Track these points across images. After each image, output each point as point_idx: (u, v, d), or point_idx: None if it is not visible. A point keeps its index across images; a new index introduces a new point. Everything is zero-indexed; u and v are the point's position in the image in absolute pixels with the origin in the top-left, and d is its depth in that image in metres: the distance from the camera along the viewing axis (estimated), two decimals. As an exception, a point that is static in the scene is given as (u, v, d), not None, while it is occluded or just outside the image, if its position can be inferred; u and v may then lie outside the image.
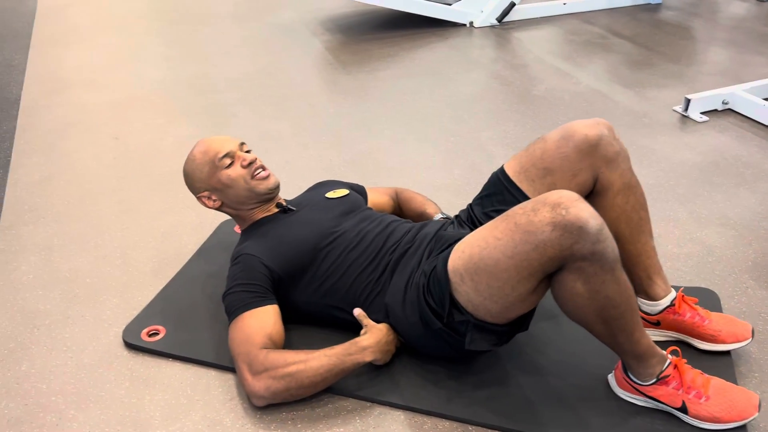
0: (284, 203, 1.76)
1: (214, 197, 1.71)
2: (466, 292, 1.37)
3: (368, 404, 1.51)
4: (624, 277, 1.29)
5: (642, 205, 1.57)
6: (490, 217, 1.61)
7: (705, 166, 2.50)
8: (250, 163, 1.66)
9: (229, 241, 2.05)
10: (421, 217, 1.89)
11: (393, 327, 1.56)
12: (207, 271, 1.92)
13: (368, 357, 1.48)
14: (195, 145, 1.73)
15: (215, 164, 1.66)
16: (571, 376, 1.56)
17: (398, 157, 2.60)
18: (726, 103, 2.91)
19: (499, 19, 4.01)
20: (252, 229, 1.72)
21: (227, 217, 2.19)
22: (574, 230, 1.21)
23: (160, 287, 1.86)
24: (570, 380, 1.55)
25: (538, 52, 3.67)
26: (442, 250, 1.56)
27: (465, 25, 4.01)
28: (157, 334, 1.70)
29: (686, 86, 3.20)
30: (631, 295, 1.31)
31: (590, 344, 1.63)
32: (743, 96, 2.87)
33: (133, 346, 1.68)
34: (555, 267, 1.27)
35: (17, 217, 2.24)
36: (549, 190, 1.54)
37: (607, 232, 1.24)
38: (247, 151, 1.72)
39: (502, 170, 1.65)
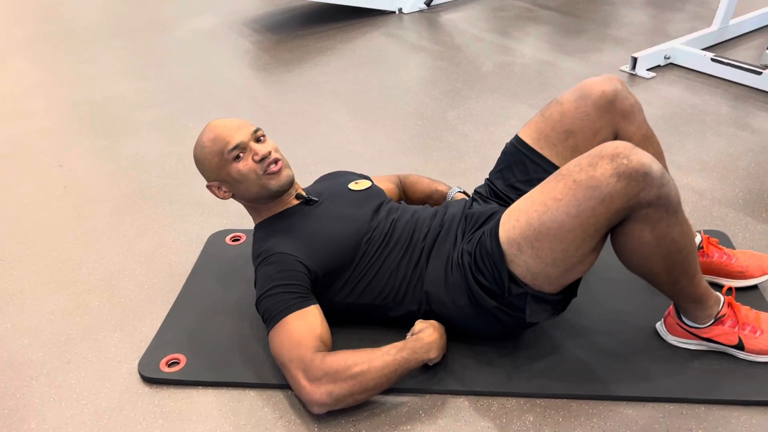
0: (304, 194, 1.64)
1: (224, 189, 1.57)
2: (525, 262, 1.32)
3: (427, 396, 1.44)
4: (686, 218, 1.28)
5: (660, 155, 1.58)
6: (516, 189, 1.58)
7: (668, 118, 2.58)
8: (263, 158, 1.52)
9: (223, 255, 1.91)
10: (432, 197, 1.83)
11: (437, 315, 1.49)
12: (209, 289, 1.78)
13: (434, 354, 1.41)
14: (204, 129, 1.56)
15: (224, 157, 1.51)
16: (618, 333, 1.55)
17: (372, 146, 2.52)
18: (668, 58, 3.03)
19: (428, 3, 4.00)
20: (272, 224, 1.58)
21: (214, 230, 2.04)
22: (639, 177, 1.19)
23: (162, 314, 1.71)
24: (619, 336, 1.54)
25: (474, 30, 3.69)
26: (477, 228, 1.50)
27: (394, 12, 3.98)
28: (177, 363, 1.55)
29: (623, 47, 3.31)
30: (692, 237, 1.30)
31: (626, 300, 1.65)
32: (683, 49, 2.99)
33: (153, 380, 1.52)
34: (620, 218, 1.24)
35: (-30, 265, 1.99)
36: (572, 152, 1.53)
37: (668, 175, 1.23)
38: (261, 138, 1.54)
39: (518, 140, 1.61)
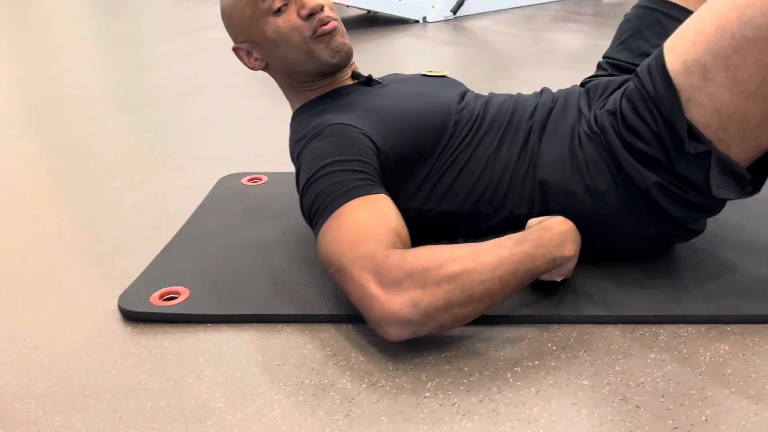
0: (362, 73, 1.20)
1: (255, 54, 1.14)
2: (711, 97, 0.88)
3: (555, 327, 0.95)
4: None
5: None
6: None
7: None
8: (312, 13, 1.09)
9: (238, 194, 1.45)
10: None
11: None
12: (221, 225, 1.30)
13: (569, 250, 0.93)
14: None
15: (259, 7, 1.08)
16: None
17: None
18: None
19: (454, 11, 3.72)
20: (319, 104, 1.14)
21: (227, 170, 1.58)
22: None
23: (155, 251, 1.22)
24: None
25: (509, 30, 3.38)
26: (610, 94, 1.07)
27: (418, 21, 3.69)
28: (175, 297, 1.06)
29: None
30: None
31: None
32: None
33: (140, 317, 1.03)
34: None
35: None
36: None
37: None
38: None
39: None
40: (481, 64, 2.70)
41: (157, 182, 1.60)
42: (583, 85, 1.19)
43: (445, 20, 3.73)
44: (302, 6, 1.09)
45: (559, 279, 0.97)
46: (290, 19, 1.09)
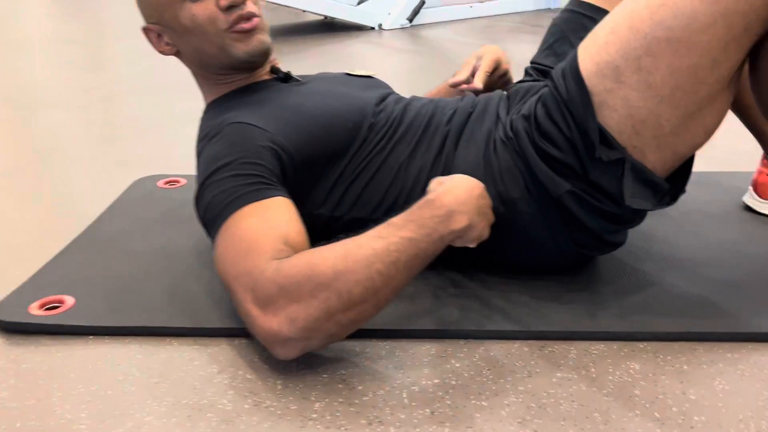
0: (281, 69, 1.13)
1: (166, 39, 1.05)
2: (624, 100, 0.83)
3: (462, 342, 0.89)
4: None
5: None
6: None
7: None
8: (232, 6, 1.00)
9: (152, 197, 1.37)
10: None
11: None
12: (127, 229, 1.22)
13: (459, 222, 0.81)
14: None
15: None
16: (728, 262, 1.05)
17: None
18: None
19: (410, 19, 3.68)
20: (232, 98, 1.07)
21: (144, 173, 1.50)
22: None
23: (48, 255, 1.13)
24: (732, 266, 1.03)
25: (464, 39, 3.34)
26: (528, 99, 1.02)
27: (374, 28, 3.64)
28: (58, 306, 0.97)
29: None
30: None
31: (724, 229, 1.17)
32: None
33: (15, 328, 0.94)
34: None
35: None
36: None
37: None
38: None
39: (574, 2, 1.17)
40: (433, 71, 2.66)
41: (71, 183, 1.51)
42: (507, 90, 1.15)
43: (401, 28, 3.69)
44: None
45: (472, 245, 0.86)
46: (208, 7, 1.00)
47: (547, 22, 1.25)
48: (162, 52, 1.07)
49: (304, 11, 3.79)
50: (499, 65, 1.19)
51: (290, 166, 0.96)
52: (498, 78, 1.21)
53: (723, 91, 0.83)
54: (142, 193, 1.39)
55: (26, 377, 0.85)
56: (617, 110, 0.84)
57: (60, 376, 0.84)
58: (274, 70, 1.12)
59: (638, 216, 0.96)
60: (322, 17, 3.85)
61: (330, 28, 3.70)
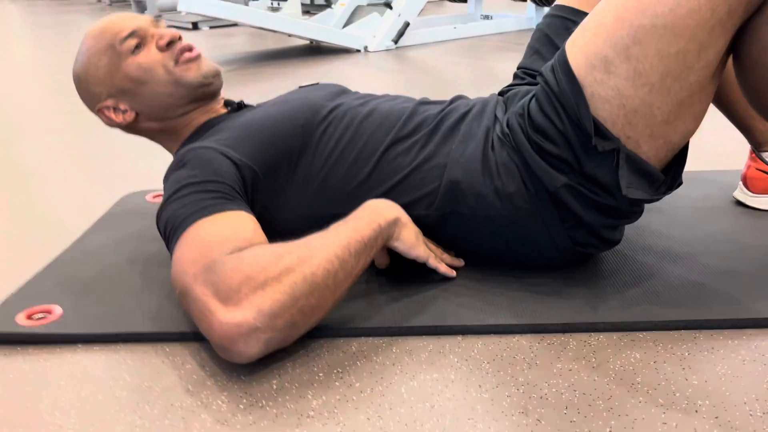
0: (233, 100, 1.16)
1: (122, 105, 1.07)
2: (615, 89, 0.83)
3: (459, 337, 0.88)
4: None
5: None
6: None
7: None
8: (171, 42, 1.05)
9: (140, 211, 1.35)
10: None
11: (463, 226, 0.97)
12: (115, 240, 1.20)
13: (390, 214, 0.92)
14: (84, 36, 1.09)
15: (117, 50, 1.04)
16: (728, 252, 1.04)
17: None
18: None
19: (395, 40, 3.71)
20: (193, 137, 1.08)
21: (132, 189, 1.48)
22: None
23: (36, 270, 1.11)
24: (732, 255, 1.03)
25: (448, 58, 3.37)
26: (522, 100, 1.02)
27: (359, 50, 3.67)
28: (45, 316, 0.95)
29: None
30: None
31: (718, 221, 1.20)
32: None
33: (2, 338, 0.91)
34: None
35: None
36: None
37: None
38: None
39: (558, 8, 1.18)
40: (419, 88, 2.68)
41: (59, 200, 1.49)
42: (501, 94, 1.15)
43: (386, 50, 3.72)
44: (160, 37, 1.06)
45: (416, 255, 0.95)
46: (150, 53, 1.05)
47: (528, 41, 1.26)
48: (122, 124, 1.09)
49: (290, 35, 3.82)
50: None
51: (252, 178, 0.97)
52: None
53: (711, 77, 0.84)
54: (131, 207, 1.37)
55: (13, 385, 0.82)
56: (609, 101, 0.85)
57: (48, 384, 0.82)
58: (228, 102, 1.15)
59: (635, 209, 0.95)
60: (308, 41, 3.88)
61: (316, 51, 3.73)
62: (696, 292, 0.94)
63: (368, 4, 4.17)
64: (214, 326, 0.77)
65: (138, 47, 1.05)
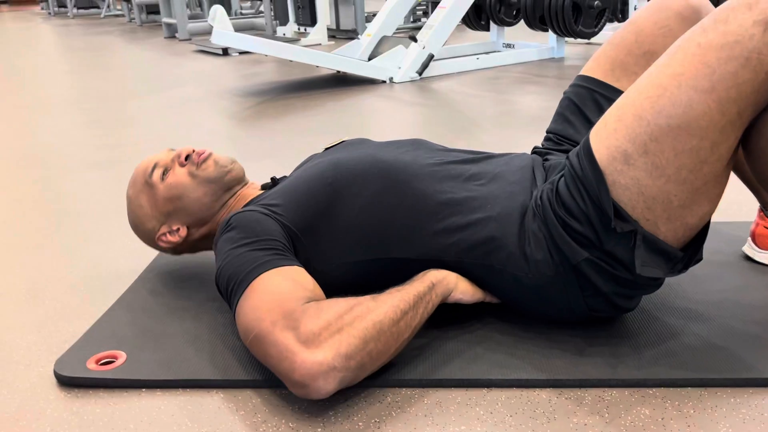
0: (269, 182, 1.29)
1: (175, 226, 1.23)
2: (634, 180, 0.93)
3: (485, 390, 0.97)
4: None
5: None
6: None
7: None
8: (188, 155, 1.22)
9: (190, 256, 1.46)
10: None
11: (496, 273, 1.06)
12: (167, 286, 1.32)
13: (443, 272, 1.07)
14: (127, 192, 1.28)
15: (149, 183, 1.21)
16: (751, 313, 1.12)
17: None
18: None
19: (420, 72, 3.83)
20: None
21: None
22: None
23: (98, 314, 1.23)
24: (754, 317, 1.11)
25: (471, 91, 3.48)
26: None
27: (384, 81, 3.80)
28: (112, 361, 1.06)
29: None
30: None
31: (743, 276, 1.25)
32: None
33: (75, 382, 1.03)
34: None
35: None
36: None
37: None
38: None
39: (583, 78, 1.26)
40: (442, 125, 2.78)
41: (111, 242, 1.61)
42: (540, 154, 1.25)
43: (411, 81, 3.84)
44: (178, 156, 1.23)
45: (466, 298, 1.09)
46: (176, 172, 1.22)
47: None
48: (179, 241, 1.24)
49: (318, 66, 3.96)
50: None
51: (294, 236, 1.08)
52: None
53: (724, 167, 0.93)
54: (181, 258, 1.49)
55: (89, 428, 0.93)
56: (629, 188, 0.94)
57: (120, 427, 0.93)
58: (264, 186, 1.28)
59: (652, 282, 1.03)
60: (335, 71, 4.02)
61: (343, 82, 3.86)
62: (701, 350, 1.02)
63: (394, 34, 4.30)
64: (296, 365, 0.88)
65: (165, 173, 1.22)
